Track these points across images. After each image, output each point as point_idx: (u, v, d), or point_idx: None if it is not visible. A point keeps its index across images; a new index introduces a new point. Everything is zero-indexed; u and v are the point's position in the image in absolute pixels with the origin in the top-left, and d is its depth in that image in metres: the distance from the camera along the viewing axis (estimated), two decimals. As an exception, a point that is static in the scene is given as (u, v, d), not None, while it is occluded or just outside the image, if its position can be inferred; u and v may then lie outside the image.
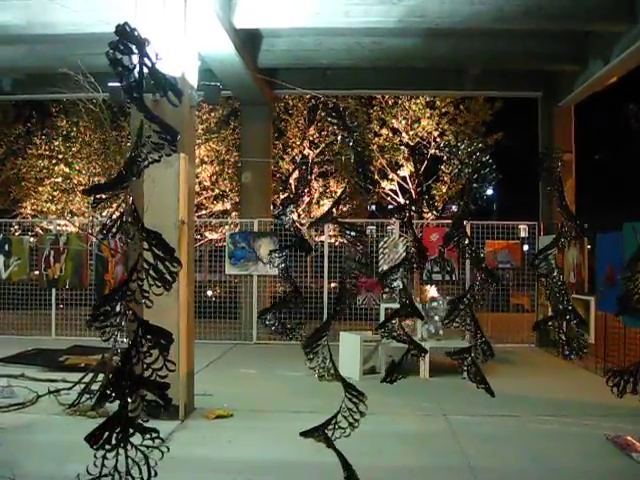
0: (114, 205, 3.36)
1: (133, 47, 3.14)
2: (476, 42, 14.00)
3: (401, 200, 24.18)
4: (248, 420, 7.98)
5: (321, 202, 24.98)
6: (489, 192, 5.03)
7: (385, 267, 14.17)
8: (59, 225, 17.76)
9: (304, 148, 25.40)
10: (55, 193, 23.49)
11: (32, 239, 16.15)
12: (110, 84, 7.83)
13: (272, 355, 13.32)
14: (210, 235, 22.48)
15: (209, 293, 16.85)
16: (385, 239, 14.70)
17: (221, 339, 14.84)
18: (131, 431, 3.21)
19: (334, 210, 5.55)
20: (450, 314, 4.85)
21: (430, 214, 18.06)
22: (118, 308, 3.17)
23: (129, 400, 3.17)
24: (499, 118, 23.74)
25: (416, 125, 23.52)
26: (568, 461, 6.60)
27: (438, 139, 23.22)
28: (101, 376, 8.15)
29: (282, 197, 25.33)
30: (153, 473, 3.31)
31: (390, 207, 24.01)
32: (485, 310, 15.37)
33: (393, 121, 23.70)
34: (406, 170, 23.71)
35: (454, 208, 5.29)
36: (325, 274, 14.91)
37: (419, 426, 7.95)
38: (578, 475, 6.24)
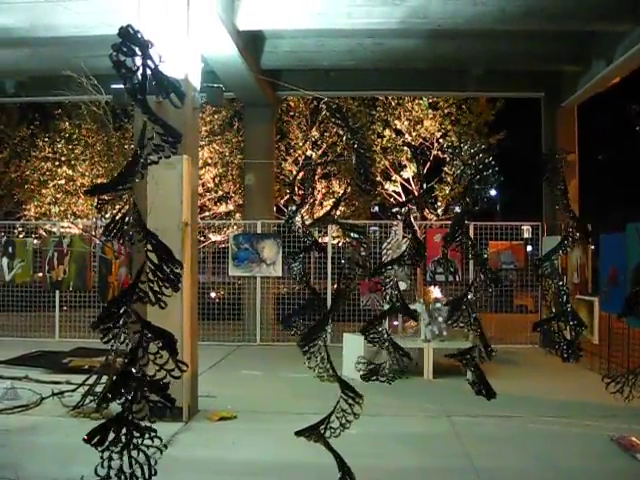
0: (117, 207, 3.32)
1: (136, 49, 3.15)
2: (478, 43, 13.99)
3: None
4: (252, 422, 7.98)
5: (324, 203, 24.98)
6: (492, 193, 5.04)
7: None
8: (63, 227, 17.77)
9: (307, 149, 25.41)
10: (58, 195, 23.52)
11: (36, 241, 16.17)
12: (113, 86, 7.84)
13: (276, 357, 13.31)
14: (213, 237, 22.49)
15: (212, 295, 16.85)
16: (388, 240, 14.69)
17: (224, 341, 14.84)
18: (131, 432, 3.20)
19: (334, 210, 5.53)
20: (452, 314, 4.85)
21: (433, 215, 18.08)
22: (123, 310, 3.17)
23: (132, 402, 3.17)
24: (502, 118, 23.73)
25: (419, 126, 23.51)
26: (572, 462, 6.59)
27: (441, 140, 23.21)
28: (105, 378, 8.16)
29: (285, 198, 25.38)
30: (154, 471, 3.30)
31: (392, 204, 24.05)
32: (488, 311, 15.37)
33: (396, 122, 23.69)
34: (409, 171, 23.70)
35: (457, 209, 5.29)
36: (329, 275, 14.90)
37: (422, 427, 7.94)
38: (582, 476, 6.23)
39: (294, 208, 5.39)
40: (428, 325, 10.84)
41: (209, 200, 24.41)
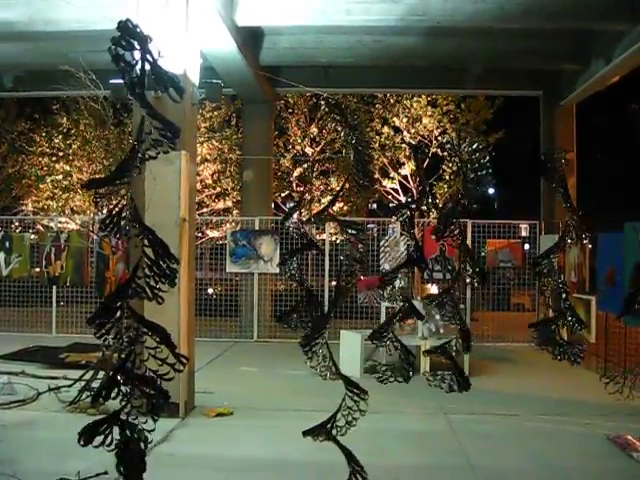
0: (114, 201, 3.30)
1: (135, 43, 3.14)
2: (477, 41, 13.99)
3: (402, 199, 24.17)
4: (248, 418, 7.98)
5: (322, 200, 24.95)
6: (490, 191, 5.04)
7: (386, 266, 14.16)
8: (60, 222, 17.75)
9: (305, 146, 25.38)
10: (56, 191, 23.47)
11: (33, 236, 16.14)
12: (112, 81, 7.83)
13: (272, 353, 13.32)
14: (211, 233, 22.46)
15: (210, 291, 16.84)
16: (386, 237, 14.69)
17: (222, 337, 14.83)
18: (124, 431, 3.19)
19: (331, 207, 5.51)
20: (439, 308, 4.85)
21: (432, 213, 18.09)
22: (120, 305, 3.16)
23: (128, 398, 3.16)
24: (500, 116, 23.71)
25: (417, 124, 23.49)
26: (568, 460, 6.60)
27: (439, 137, 23.19)
28: (102, 373, 8.15)
29: (283, 195, 25.36)
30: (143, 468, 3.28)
31: (392, 205, 24.02)
32: (486, 309, 15.39)
33: (395, 119, 23.67)
34: (407, 169, 23.69)
35: (449, 205, 5.28)
36: (326, 272, 14.90)
37: (419, 424, 7.94)
38: (578, 474, 6.24)
39: (292, 205, 5.40)
40: (425, 323, 10.83)
41: (207, 196, 24.38)
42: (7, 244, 15.10)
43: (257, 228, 15.21)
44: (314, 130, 25.28)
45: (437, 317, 10.18)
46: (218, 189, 24.53)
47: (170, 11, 7.96)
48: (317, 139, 25.50)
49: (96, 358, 9.15)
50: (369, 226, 16.13)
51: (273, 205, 20.10)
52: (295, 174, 25.61)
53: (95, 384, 8.22)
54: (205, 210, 24.08)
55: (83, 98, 11.59)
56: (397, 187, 24.42)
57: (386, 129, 23.75)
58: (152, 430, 3.26)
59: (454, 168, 4.91)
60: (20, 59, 14.63)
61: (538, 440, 7.26)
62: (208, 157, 23.55)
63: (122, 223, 3.26)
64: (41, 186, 23.60)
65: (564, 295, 5.16)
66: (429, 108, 23.16)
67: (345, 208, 24.91)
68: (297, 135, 25.43)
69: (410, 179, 23.91)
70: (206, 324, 14.85)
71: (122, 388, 3.11)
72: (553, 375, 10.96)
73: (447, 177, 23.26)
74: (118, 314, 3.14)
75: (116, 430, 3.14)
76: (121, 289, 3.24)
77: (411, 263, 5.04)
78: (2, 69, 16.08)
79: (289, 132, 25.52)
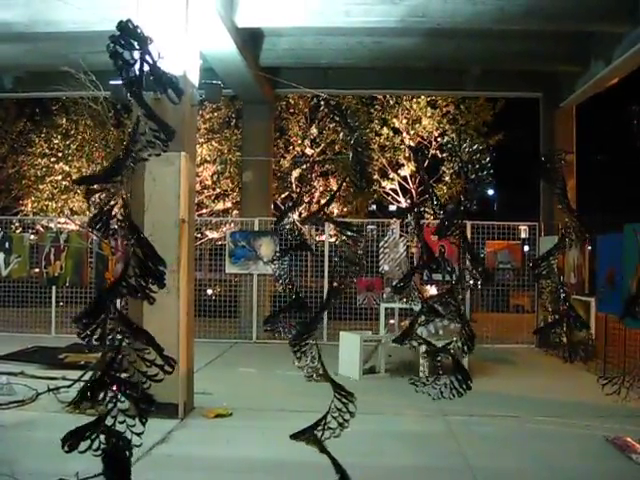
0: (107, 199, 3.29)
1: (135, 44, 3.14)
2: (477, 42, 13.99)
3: (402, 199, 24.19)
4: (247, 419, 7.98)
5: (322, 201, 24.95)
6: (490, 192, 5.05)
7: (386, 267, 14.16)
8: (60, 223, 17.75)
9: (305, 147, 25.38)
10: (55, 191, 23.48)
11: (33, 237, 16.14)
12: (112, 82, 7.83)
13: (272, 354, 13.30)
14: (211, 234, 22.47)
15: (209, 292, 16.84)
16: (385, 238, 14.69)
17: (221, 338, 14.83)
18: (109, 437, 3.17)
19: (327, 208, 5.51)
20: (443, 309, 4.85)
21: (431, 214, 18.09)
22: (107, 305, 3.15)
23: (114, 402, 3.15)
24: (500, 118, 23.73)
25: (417, 125, 23.51)
26: (567, 462, 6.60)
27: (439, 139, 23.20)
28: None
29: (283, 196, 25.34)
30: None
31: (395, 209, 23.97)
32: (485, 310, 15.39)
33: (394, 120, 23.68)
34: (407, 170, 23.70)
35: (450, 206, 5.28)
36: (325, 274, 14.90)
37: (418, 426, 7.94)
38: (577, 476, 6.24)
39: (289, 205, 5.40)
40: (424, 324, 10.83)
41: (207, 197, 24.39)
42: (7, 244, 15.10)
43: (257, 229, 15.22)
44: (314, 131, 25.29)
45: (436, 319, 10.18)
46: (218, 190, 24.55)
47: (170, 12, 7.97)
48: (317, 140, 25.50)
49: (95, 358, 9.15)
50: (369, 227, 16.13)
51: (273, 206, 20.09)
52: (295, 175, 25.61)
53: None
54: (205, 211, 24.09)
55: (83, 99, 11.58)
56: (397, 188, 24.43)
57: (385, 130, 23.76)
58: (141, 433, 3.23)
59: (455, 168, 4.92)
60: (20, 60, 14.62)
61: (537, 442, 7.26)
62: (208, 158, 23.57)
63: (111, 222, 3.25)
64: (40, 187, 23.61)
65: (563, 296, 5.16)
66: (428, 109, 23.18)
67: (345, 210, 24.93)
68: (298, 136, 25.43)
69: (409, 180, 23.92)
70: (205, 325, 14.85)
71: (108, 391, 3.11)
72: (552, 377, 10.97)
73: (447, 178, 23.31)
74: (103, 315, 3.12)
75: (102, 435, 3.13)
76: (111, 289, 3.24)
77: (425, 265, 5.03)
78: (2, 70, 16.07)
79: (289, 133, 25.53)
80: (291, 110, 25.20)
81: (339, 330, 11.58)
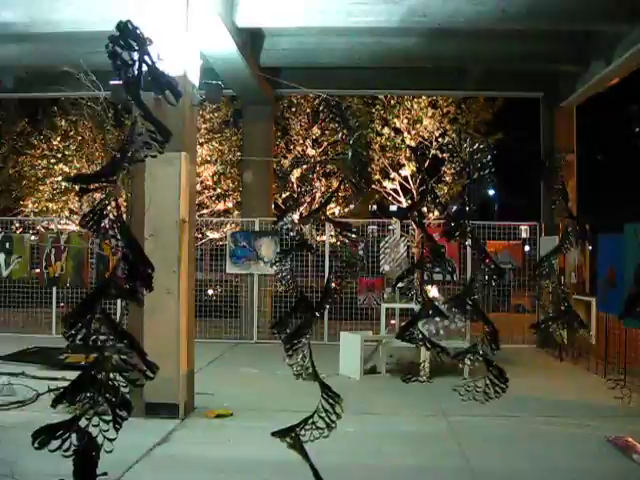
0: (99, 198, 3.29)
1: (134, 44, 3.13)
2: (478, 42, 13.97)
3: (402, 200, 24.18)
4: (248, 419, 7.98)
5: (322, 201, 24.90)
6: (491, 192, 5.04)
7: (386, 267, 14.17)
8: (60, 223, 17.76)
9: (307, 147, 25.37)
10: (55, 192, 23.48)
11: (33, 237, 16.15)
12: (112, 82, 7.83)
13: (272, 354, 13.25)
14: (211, 234, 22.46)
15: (210, 292, 16.85)
16: (386, 239, 14.69)
17: (221, 338, 14.83)
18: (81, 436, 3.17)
19: (325, 207, 5.51)
20: (456, 313, 4.84)
21: (432, 214, 18.07)
22: (93, 307, 3.14)
23: (92, 403, 3.14)
24: (500, 118, 23.72)
25: (418, 125, 23.49)
26: (568, 462, 6.59)
27: (440, 139, 23.18)
28: (102, 374, 8.14)
29: (283, 196, 25.32)
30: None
31: (394, 209, 23.96)
32: (486, 310, 15.35)
33: (395, 121, 23.67)
34: (408, 170, 23.68)
35: (454, 208, 5.28)
36: (326, 274, 14.89)
37: (419, 426, 7.94)
38: (578, 476, 6.23)
39: (289, 205, 5.39)
40: (425, 324, 10.84)
41: (207, 197, 24.38)
42: (7, 245, 15.11)
43: (257, 229, 15.22)
44: (317, 131, 25.26)
45: (437, 319, 10.20)
46: (218, 190, 24.53)
47: (170, 12, 7.97)
48: (319, 140, 25.48)
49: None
50: (370, 227, 16.13)
51: (273, 206, 20.09)
52: (295, 175, 25.58)
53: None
54: (205, 211, 24.08)
55: (83, 99, 11.58)
56: (397, 188, 24.42)
57: (387, 130, 23.75)
58: (113, 439, 3.22)
59: (457, 169, 4.91)
60: (20, 60, 14.61)
61: (538, 442, 7.26)
62: (208, 158, 23.56)
63: (103, 222, 3.24)
64: (41, 187, 23.61)
65: (562, 296, 5.16)
66: (429, 109, 23.17)
67: (346, 210, 24.91)
68: (299, 135, 25.41)
69: (410, 180, 23.91)
70: (206, 325, 14.85)
71: (86, 393, 3.10)
72: (553, 376, 10.97)
73: (447, 178, 23.29)
74: (89, 316, 3.12)
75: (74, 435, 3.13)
76: (99, 290, 3.23)
77: (425, 261, 5.03)
78: (2, 70, 16.07)
79: (291, 133, 25.51)
80: (293, 109, 25.17)
81: (340, 330, 11.57)
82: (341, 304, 14.17)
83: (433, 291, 11.84)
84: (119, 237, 3.27)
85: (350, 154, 4.56)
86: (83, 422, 3.18)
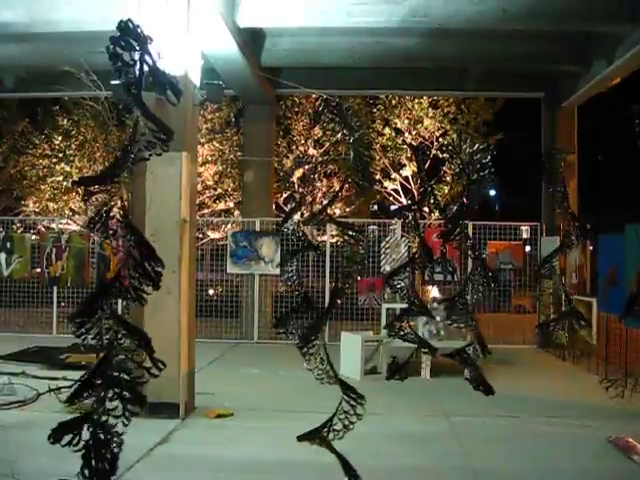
0: (106, 199, 3.30)
1: (135, 44, 3.13)
2: (479, 43, 13.97)
3: (403, 200, 24.16)
4: (249, 419, 7.97)
5: (324, 202, 24.90)
6: (492, 193, 5.05)
7: (387, 267, 14.16)
8: (61, 223, 17.76)
9: (308, 147, 25.36)
10: (56, 192, 23.49)
11: (34, 237, 16.15)
12: (113, 82, 7.82)
13: (273, 354, 13.31)
14: (212, 234, 22.46)
15: (211, 292, 16.85)
16: (387, 239, 14.69)
17: (222, 338, 14.83)
18: (96, 431, 3.17)
19: (328, 208, 5.51)
20: (449, 314, 4.84)
21: (432, 214, 18.08)
22: (101, 305, 3.15)
23: (103, 400, 3.15)
24: (501, 118, 23.71)
25: (419, 125, 23.49)
26: (569, 462, 6.59)
27: (440, 139, 23.18)
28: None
29: (284, 196, 25.31)
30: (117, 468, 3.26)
31: (393, 208, 23.98)
32: (487, 311, 15.36)
33: (396, 121, 23.66)
34: (408, 170, 23.67)
35: (454, 208, 5.27)
36: (327, 274, 14.90)
37: (420, 426, 7.93)
38: (579, 476, 6.23)
39: (292, 206, 5.38)
40: (426, 324, 10.84)
41: (208, 197, 24.39)
42: (8, 244, 15.12)
43: (258, 229, 15.21)
44: (318, 132, 25.25)
45: (438, 319, 10.22)
46: (219, 190, 24.54)
47: (171, 12, 7.96)
48: (320, 140, 25.47)
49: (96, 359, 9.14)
50: (370, 227, 16.11)
51: (274, 206, 20.09)
52: (297, 175, 25.56)
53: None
54: (206, 211, 24.08)
55: (84, 99, 11.58)
56: (398, 188, 24.41)
57: (387, 130, 23.74)
58: (121, 434, 3.22)
59: (456, 170, 4.90)
60: (22, 60, 14.61)
61: (539, 442, 7.25)
62: (209, 158, 23.56)
63: (110, 222, 3.25)
64: (42, 187, 23.62)
65: (565, 296, 5.16)
66: (430, 110, 23.17)
67: (347, 210, 24.89)
68: (301, 135, 25.40)
69: (411, 180, 23.90)
70: (207, 325, 14.85)
71: (97, 390, 3.10)
72: (554, 377, 10.96)
73: (447, 179, 23.29)
74: (98, 314, 3.12)
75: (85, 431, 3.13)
76: (104, 288, 3.23)
77: (415, 260, 5.03)
78: (3, 70, 16.08)
79: (292, 133, 25.50)
80: (295, 109, 25.16)
81: (340, 330, 11.56)
82: (342, 304, 14.16)
83: (434, 291, 11.86)
84: (127, 236, 3.27)
85: (352, 153, 4.55)
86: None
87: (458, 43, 13.87)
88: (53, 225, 17.59)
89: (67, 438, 3.08)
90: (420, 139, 23.40)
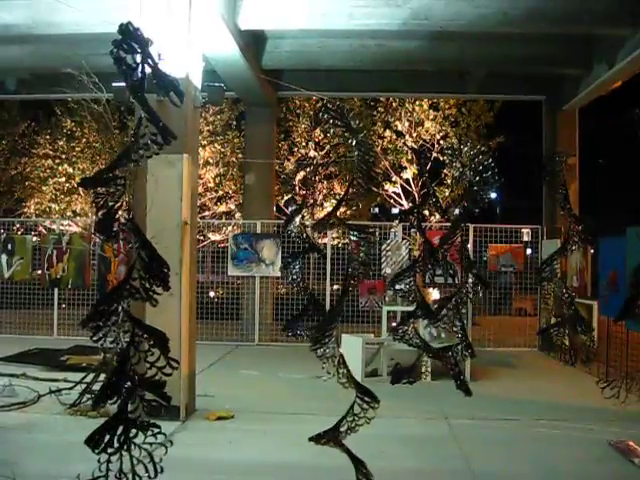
0: (112, 203, 3.30)
1: (136, 46, 3.14)
2: (480, 45, 13.99)
3: (404, 202, 24.16)
4: (249, 422, 7.96)
5: (325, 204, 24.93)
6: (492, 195, 5.05)
7: (388, 270, 14.16)
8: (62, 225, 17.77)
9: (309, 149, 25.37)
10: (58, 193, 23.51)
11: (35, 238, 16.16)
12: (114, 84, 7.83)
13: (274, 357, 13.31)
14: (213, 236, 22.46)
15: (211, 294, 16.84)
16: (388, 241, 14.69)
17: (223, 340, 14.82)
18: (133, 431, 3.18)
19: (336, 212, 5.49)
20: (438, 314, 4.85)
21: (434, 217, 18.08)
22: (114, 308, 3.15)
23: (127, 401, 3.15)
24: (502, 120, 23.71)
25: (419, 128, 23.49)
26: (569, 466, 6.58)
27: (441, 142, 23.19)
28: (103, 376, 8.14)
29: (285, 198, 25.31)
30: (160, 469, 3.27)
31: (396, 211, 23.94)
32: (488, 313, 15.36)
33: (397, 123, 23.68)
34: (409, 173, 23.67)
35: (457, 211, 5.28)
36: (328, 276, 14.90)
37: (421, 429, 7.93)
38: (579, 479, 6.23)
39: (294, 208, 5.37)
40: (427, 327, 10.82)
41: (209, 199, 24.40)
42: (9, 246, 15.13)
43: (259, 231, 15.21)
44: (319, 133, 25.25)
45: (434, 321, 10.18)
46: (220, 192, 24.55)
47: (172, 14, 7.96)
48: (321, 143, 25.49)
49: (97, 361, 9.15)
50: (371, 230, 16.08)
51: (275, 208, 20.09)
52: (298, 177, 25.58)
53: (96, 387, 8.21)
54: (207, 213, 24.09)
55: (86, 101, 11.59)
56: (399, 191, 24.41)
57: (388, 133, 23.75)
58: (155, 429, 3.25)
59: (456, 174, 4.91)
60: (23, 62, 14.64)
61: (539, 445, 7.24)
62: (210, 160, 23.57)
63: (116, 225, 3.26)
64: (43, 188, 23.65)
65: (569, 300, 5.15)
66: (431, 112, 23.17)
67: (348, 212, 24.89)
68: (302, 137, 25.42)
69: (412, 183, 23.90)
70: (207, 327, 14.84)
71: (122, 392, 3.11)
72: (555, 380, 10.95)
73: (448, 181, 23.27)
74: (115, 317, 3.13)
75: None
76: (115, 291, 3.24)
77: (420, 262, 5.04)
78: (5, 72, 16.10)
79: (293, 135, 25.51)
80: (297, 112, 25.18)
81: (341, 333, 11.56)
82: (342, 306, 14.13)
83: (435, 293, 11.84)
84: (135, 239, 3.28)
85: (356, 154, 4.55)
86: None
87: (459, 46, 13.89)
88: (54, 227, 17.60)
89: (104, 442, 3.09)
90: (421, 142, 23.40)
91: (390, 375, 5.65)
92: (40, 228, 18.85)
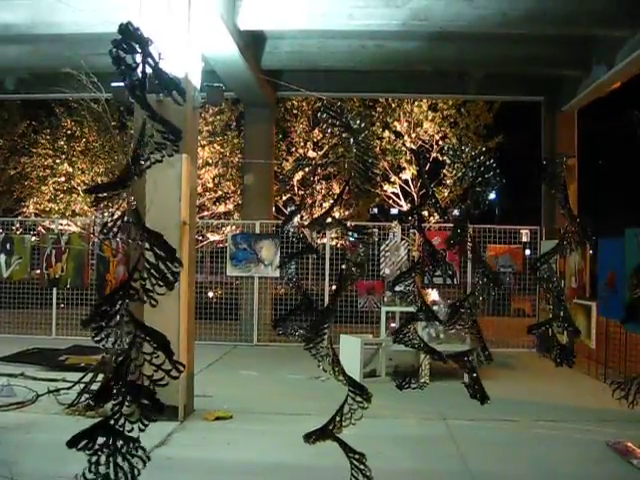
0: (115, 205, 3.28)
1: (136, 46, 3.14)
2: (479, 46, 14.00)
3: (403, 203, 24.18)
4: (248, 422, 7.96)
5: (324, 204, 24.94)
6: (492, 196, 5.05)
7: (387, 270, 14.16)
8: (61, 225, 17.75)
9: (308, 150, 25.37)
10: (57, 192, 23.50)
11: (34, 238, 16.14)
12: (113, 84, 7.83)
13: (272, 357, 13.31)
14: (212, 236, 22.46)
15: (210, 294, 16.84)
16: (387, 242, 14.69)
17: (221, 340, 14.82)
18: (114, 440, 3.17)
19: (332, 211, 5.48)
20: (451, 318, 4.84)
21: (433, 218, 18.08)
22: (116, 308, 3.15)
23: (122, 404, 3.14)
24: (501, 121, 23.74)
25: (418, 128, 23.51)
26: (568, 467, 6.58)
27: (440, 142, 23.21)
28: (101, 376, 8.14)
29: (284, 198, 25.32)
30: (137, 472, 3.25)
31: (395, 212, 23.94)
32: (486, 314, 15.35)
33: (396, 124, 23.69)
34: (408, 173, 23.69)
35: (456, 212, 5.27)
36: (326, 276, 14.90)
37: (418, 430, 7.93)
38: (577, 481, 6.23)
39: (292, 209, 5.38)
40: (425, 328, 10.82)
41: (208, 200, 24.40)
42: (8, 246, 15.11)
43: (258, 232, 15.21)
44: (317, 134, 25.26)
45: (437, 323, 10.17)
46: (219, 192, 24.55)
47: (172, 15, 7.97)
48: (320, 143, 25.49)
49: (95, 361, 9.15)
50: (368, 231, 16.10)
51: (274, 208, 20.09)
52: (296, 178, 25.58)
53: (94, 386, 8.21)
54: (206, 213, 24.09)
55: (85, 101, 11.59)
56: (398, 192, 24.42)
57: (387, 133, 23.76)
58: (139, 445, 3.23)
59: (458, 175, 4.90)
60: (22, 61, 14.64)
61: (537, 446, 7.25)
62: (209, 160, 23.57)
63: (123, 227, 3.25)
64: (43, 188, 23.63)
65: (561, 302, 5.15)
66: (430, 113, 23.19)
67: (347, 213, 24.89)
68: (300, 138, 25.41)
69: (411, 184, 23.91)
70: (206, 327, 14.84)
71: (117, 393, 3.11)
72: (553, 381, 10.94)
73: (447, 182, 23.30)
74: (117, 318, 3.12)
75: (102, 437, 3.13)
76: (117, 291, 3.23)
77: (421, 263, 5.03)
78: (5, 71, 16.10)
79: (292, 135, 25.52)
80: (295, 112, 25.18)
81: (340, 333, 11.56)
82: (341, 307, 14.16)
83: (433, 294, 11.84)
84: (143, 238, 3.27)
85: (355, 155, 4.54)
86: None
87: (458, 46, 13.90)
88: (53, 226, 17.59)
89: (83, 443, 3.07)
90: (420, 142, 23.42)
91: (392, 379, 5.65)
92: (39, 228, 18.85)
